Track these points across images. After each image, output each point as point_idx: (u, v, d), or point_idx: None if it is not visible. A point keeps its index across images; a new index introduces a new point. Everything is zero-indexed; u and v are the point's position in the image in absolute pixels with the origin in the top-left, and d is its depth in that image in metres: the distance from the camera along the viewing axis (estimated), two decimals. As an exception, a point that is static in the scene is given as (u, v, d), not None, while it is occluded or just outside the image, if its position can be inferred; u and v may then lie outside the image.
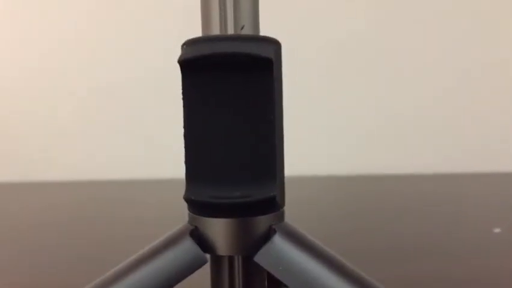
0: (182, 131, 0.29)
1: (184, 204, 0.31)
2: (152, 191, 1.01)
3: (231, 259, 0.30)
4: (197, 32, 0.31)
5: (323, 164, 1.08)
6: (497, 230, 0.66)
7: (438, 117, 1.08)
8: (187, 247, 0.29)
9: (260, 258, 0.29)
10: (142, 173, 1.09)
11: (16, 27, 1.10)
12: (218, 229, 0.29)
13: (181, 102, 0.29)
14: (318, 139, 1.09)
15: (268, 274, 0.31)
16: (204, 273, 0.31)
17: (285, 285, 0.29)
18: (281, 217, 0.31)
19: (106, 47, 1.09)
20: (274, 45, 0.29)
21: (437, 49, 1.06)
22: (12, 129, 1.12)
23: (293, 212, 0.35)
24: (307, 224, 0.35)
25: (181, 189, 0.30)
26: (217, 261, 0.31)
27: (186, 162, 0.30)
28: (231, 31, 0.30)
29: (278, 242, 0.29)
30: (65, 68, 1.10)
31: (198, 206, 0.30)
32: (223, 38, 0.29)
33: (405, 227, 0.70)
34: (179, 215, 0.34)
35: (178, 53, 0.29)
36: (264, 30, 0.31)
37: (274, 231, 0.29)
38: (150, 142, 1.11)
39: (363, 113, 1.08)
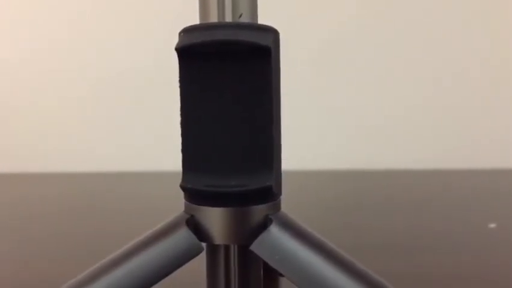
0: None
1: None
2: (152, 183, 1.01)
3: (227, 248, 0.30)
4: (195, 20, 0.31)
5: (318, 159, 1.08)
6: (492, 225, 0.66)
7: (434, 114, 1.08)
8: (183, 236, 0.29)
9: (256, 247, 0.29)
10: (142, 165, 1.09)
11: (17, 20, 1.10)
12: (214, 218, 0.29)
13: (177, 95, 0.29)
14: (315, 135, 1.09)
15: (264, 263, 0.31)
16: (200, 262, 0.31)
17: (281, 275, 0.29)
18: (278, 207, 0.31)
19: (105, 39, 1.09)
20: (272, 33, 0.29)
21: (434, 47, 1.06)
22: (12, 121, 1.12)
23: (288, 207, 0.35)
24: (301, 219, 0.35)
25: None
26: (213, 250, 0.31)
27: (183, 151, 0.29)
28: (228, 19, 0.29)
29: (274, 231, 0.29)
30: (66, 61, 1.10)
31: (194, 194, 0.30)
32: (221, 26, 0.29)
33: (399, 222, 0.70)
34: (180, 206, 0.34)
35: (175, 42, 0.29)
36: (262, 19, 0.31)
37: (271, 221, 0.29)
38: (151, 134, 1.10)
39: (361, 110, 1.08)
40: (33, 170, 1.09)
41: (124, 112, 1.10)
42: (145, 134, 1.10)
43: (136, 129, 1.10)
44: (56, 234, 0.67)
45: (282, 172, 0.31)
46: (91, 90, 1.10)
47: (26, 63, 1.10)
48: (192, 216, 0.30)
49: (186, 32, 0.29)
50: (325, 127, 1.09)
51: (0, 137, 1.12)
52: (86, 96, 1.10)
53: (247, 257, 0.30)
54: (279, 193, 0.31)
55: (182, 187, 0.30)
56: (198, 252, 0.29)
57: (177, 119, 0.29)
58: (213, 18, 0.30)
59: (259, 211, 0.29)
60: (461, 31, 1.05)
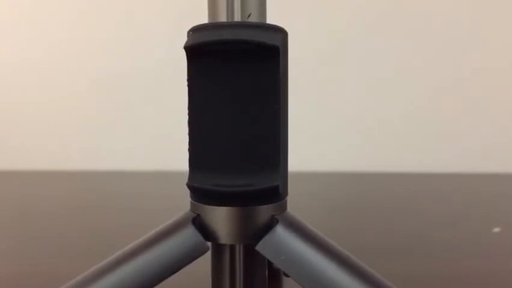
0: (184, 123, 0.29)
1: (186, 196, 0.31)
2: (157, 183, 1.01)
3: (232, 248, 0.30)
4: (197, 21, 0.31)
5: (323, 161, 1.08)
6: (496, 230, 0.66)
7: (436, 116, 1.08)
8: (189, 235, 0.29)
9: (262, 247, 0.28)
10: (146, 164, 1.09)
11: (17, 20, 1.10)
12: (220, 217, 0.29)
13: (182, 94, 0.29)
14: (319, 135, 1.09)
15: (269, 263, 0.31)
16: (205, 262, 0.31)
17: (286, 275, 0.29)
18: (284, 207, 0.31)
19: (106, 37, 1.09)
20: (281, 33, 0.29)
21: (439, 48, 1.06)
22: (11, 119, 1.12)
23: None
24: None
25: (182, 182, 0.30)
26: (218, 249, 0.31)
27: (190, 150, 0.29)
28: (237, 18, 0.29)
29: (280, 231, 0.29)
30: (65, 59, 1.10)
31: (200, 193, 0.30)
32: (229, 25, 0.29)
33: (402, 225, 0.70)
34: (180, 207, 0.34)
35: (182, 42, 0.29)
36: (270, 19, 0.31)
37: (277, 221, 0.29)
38: (151, 134, 1.10)
39: (362, 112, 1.08)
40: (34, 168, 1.10)
41: (126, 111, 1.11)
42: (148, 134, 1.10)
43: (138, 129, 1.11)
44: (57, 232, 0.67)
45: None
46: (92, 89, 1.10)
47: (26, 63, 1.11)
48: (198, 215, 0.30)
49: (195, 31, 0.29)
50: (329, 127, 1.09)
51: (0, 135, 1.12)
52: (86, 95, 1.10)
53: (252, 257, 0.30)
54: (286, 193, 0.31)
55: (189, 186, 0.30)
56: (203, 251, 0.29)
57: (180, 118, 0.29)
58: (222, 18, 0.30)
59: (265, 211, 0.29)
60: (469, 30, 1.05)
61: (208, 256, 0.30)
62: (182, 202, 0.34)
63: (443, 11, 1.05)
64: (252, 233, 0.29)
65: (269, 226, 0.29)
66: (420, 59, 1.06)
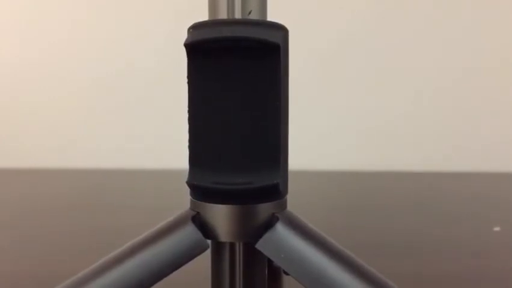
0: (184, 122, 0.29)
1: (186, 194, 0.31)
2: (153, 181, 1.01)
3: (232, 245, 0.30)
4: (196, 20, 0.31)
5: (319, 160, 1.08)
6: (496, 229, 0.66)
7: (436, 116, 1.08)
8: (189, 233, 0.29)
9: (262, 245, 0.28)
10: (142, 163, 1.09)
11: (18, 20, 1.10)
12: (220, 215, 0.29)
13: (181, 93, 0.29)
14: (316, 136, 1.09)
15: (269, 261, 0.31)
16: (205, 260, 0.31)
17: (286, 273, 0.29)
18: (284, 205, 0.31)
19: (106, 37, 1.09)
20: (282, 31, 0.29)
21: (435, 48, 1.06)
22: (11, 119, 1.12)
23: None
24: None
25: (183, 180, 0.30)
26: (218, 247, 0.31)
27: (190, 147, 0.29)
28: (238, 16, 0.29)
29: (280, 229, 0.29)
30: (65, 59, 1.10)
31: (200, 191, 0.30)
32: (230, 22, 0.29)
33: (404, 224, 0.70)
34: (180, 205, 0.34)
35: (182, 42, 0.29)
36: (271, 17, 0.31)
37: (277, 219, 0.29)
38: (151, 133, 1.10)
39: (362, 111, 1.08)
40: (36, 165, 1.10)
41: (126, 111, 1.11)
42: (148, 133, 1.10)
43: (138, 128, 1.10)
44: (57, 230, 0.67)
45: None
46: (92, 89, 1.10)
47: (27, 63, 1.10)
48: (198, 213, 0.30)
49: (195, 28, 0.29)
50: (330, 127, 1.09)
51: (1, 133, 1.12)
52: (86, 95, 1.10)
53: (252, 255, 0.30)
54: (286, 191, 0.31)
55: (189, 184, 0.29)
56: (203, 249, 0.29)
57: (180, 117, 0.29)
58: (222, 15, 0.30)
59: (265, 209, 0.29)
60: (459, 33, 1.05)
61: (208, 254, 0.30)
62: (183, 200, 0.33)
63: (442, 11, 1.05)
64: (252, 231, 0.29)
65: (269, 224, 0.29)
66: (420, 59, 1.06)
